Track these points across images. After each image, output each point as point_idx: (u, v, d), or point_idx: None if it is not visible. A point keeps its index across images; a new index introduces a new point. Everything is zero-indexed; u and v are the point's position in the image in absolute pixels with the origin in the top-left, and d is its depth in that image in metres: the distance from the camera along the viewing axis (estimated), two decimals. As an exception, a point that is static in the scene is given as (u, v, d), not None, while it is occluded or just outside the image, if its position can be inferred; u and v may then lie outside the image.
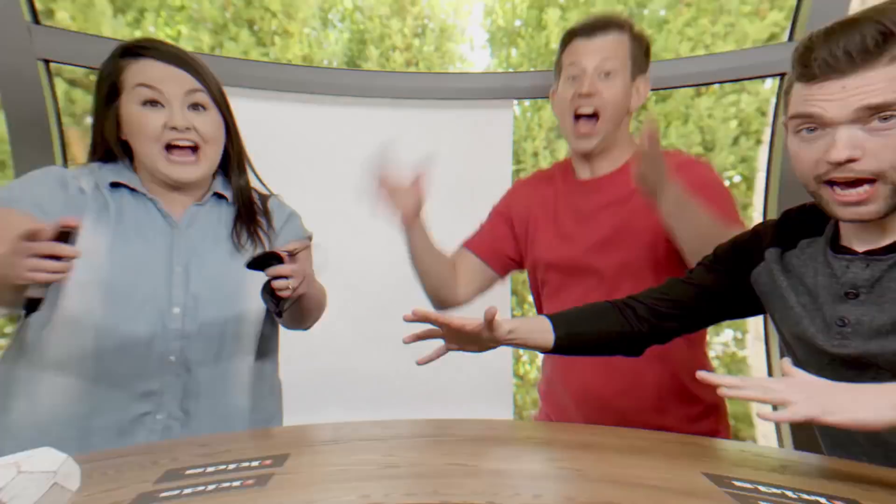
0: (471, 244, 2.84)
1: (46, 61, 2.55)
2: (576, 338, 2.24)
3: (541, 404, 2.88)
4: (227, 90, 2.48)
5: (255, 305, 2.42)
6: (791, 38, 2.91)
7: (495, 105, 3.22)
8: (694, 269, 2.27)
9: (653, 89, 2.74)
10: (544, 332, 2.21)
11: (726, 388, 1.74)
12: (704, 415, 2.64)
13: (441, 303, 2.76)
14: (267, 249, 2.38)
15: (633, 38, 2.61)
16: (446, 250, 2.76)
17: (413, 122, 3.20)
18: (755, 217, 5.94)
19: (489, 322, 2.12)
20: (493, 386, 3.19)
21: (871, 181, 1.80)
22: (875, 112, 1.76)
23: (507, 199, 2.87)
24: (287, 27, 6.62)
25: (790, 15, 2.87)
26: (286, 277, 2.22)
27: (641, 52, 2.62)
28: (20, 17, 2.48)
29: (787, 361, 1.77)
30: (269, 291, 2.28)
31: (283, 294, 2.24)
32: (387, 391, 3.18)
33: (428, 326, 2.26)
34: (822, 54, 1.77)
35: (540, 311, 2.85)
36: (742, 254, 2.20)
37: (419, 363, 2.40)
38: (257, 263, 2.26)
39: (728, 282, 2.21)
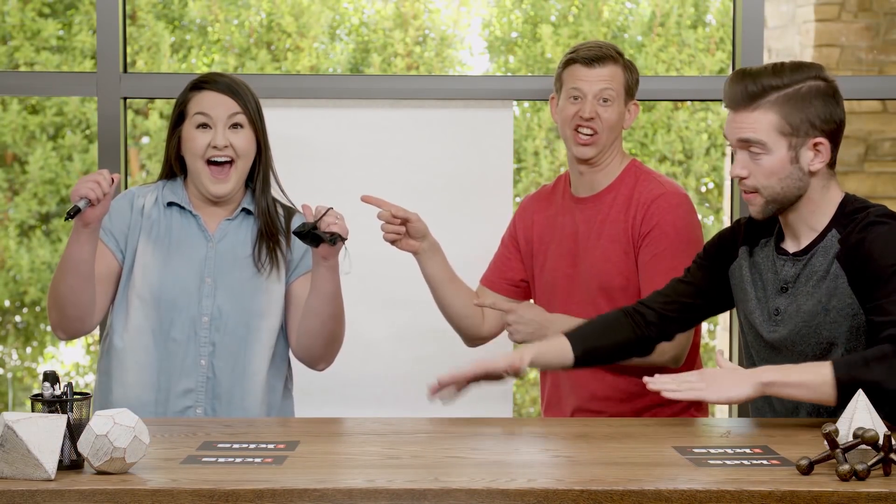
0: (487, 281, 2.91)
1: (125, 98, 3.16)
2: (592, 352, 2.44)
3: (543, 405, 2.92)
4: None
5: (270, 323, 2.55)
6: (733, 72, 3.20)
7: (495, 106, 3.20)
8: (690, 268, 2.48)
9: (638, 100, 2.86)
10: (564, 352, 2.43)
11: (652, 385, 2.18)
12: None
13: (467, 338, 2.85)
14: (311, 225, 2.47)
15: (626, 68, 2.78)
16: (467, 285, 2.82)
17: (414, 123, 3.19)
18: (725, 220, 6.09)
19: (515, 372, 2.40)
20: (493, 386, 3.17)
21: (753, 192, 2.28)
22: (748, 145, 2.25)
23: (513, 221, 2.92)
24: (299, 44, 6.70)
25: (730, 55, 3.54)
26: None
27: (633, 80, 2.79)
28: (117, 69, 3.12)
29: (719, 355, 2.21)
30: (310, 237, 2.40)
31: (333, 229, 2.40)
32: (387, 391, 3.15)
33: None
34: (726, 91, 2.28)
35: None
36: (724, 249, 2.43)
37: (442, 401, 2.45)
38: (302, 235, 2.41)
39: (715, 276, 2.43)
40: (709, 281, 2.43)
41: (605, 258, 2.72)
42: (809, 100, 2.23)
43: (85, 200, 2.35)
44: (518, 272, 2.87)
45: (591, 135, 2.72)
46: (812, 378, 2.12)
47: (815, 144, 2.24)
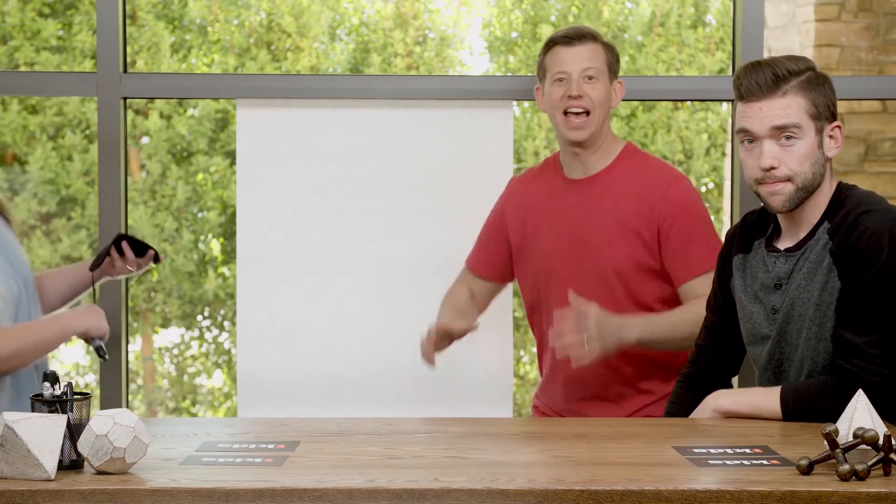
0: (471, 264, 2.95)
1: (125, 98, 3.16)
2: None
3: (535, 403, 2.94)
4: (244, 102, 3.15)
5: None
6: (733, 72, 3.17)
7: (495, 106, 3.20)
8: (709, 303, 2.50)
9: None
10: None
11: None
12: None
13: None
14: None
15: (606, 46, 2.81)
16: (460, 294, 2.90)
17: (414, 123, 3.19)
18: (725, 220, 6.10)
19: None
20: (493, 386, 3.16)
21: (785, 181, 2.25)
22: (781, 131, 2.24)
23: (500, 203, 2.93)
24: (299, 44, 6.70)
25: (730, 55, 3.55)
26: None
27: (614, 59, 2.82)
28: (117, 69, 3.12)
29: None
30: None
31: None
32: (387, 391, 3.16)
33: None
34: (745, 82, 2.26)
35: (532, 316, 2.89)
36: (722, 270, 2.44)
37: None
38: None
39: (725, 301, 2.44)
40: (724, 312, 2.45)
41: (610, 241, 2.73)
42: (822, 84, 2.28)
43: (100, 341, 2.50)
44: (504, 255, 2.90)
45: (581, 113, 2.74)
46: (763, 405, 2.27)
47: (835, 128, 2.28)
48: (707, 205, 6.95)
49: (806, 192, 2.26)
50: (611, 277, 2.73)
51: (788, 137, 2.23)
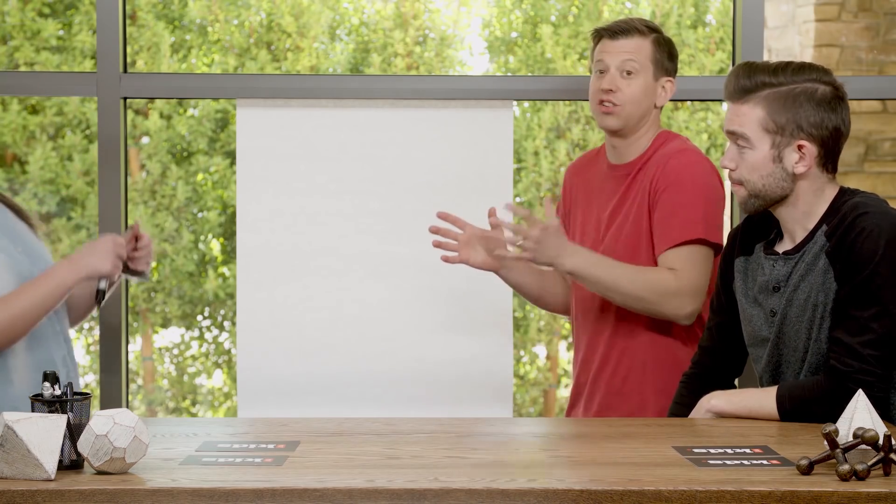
0: None
1: (125, 98, 3.16)
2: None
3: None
4: (244, 102, 3.13)
5: None
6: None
7: (495, 106, 3.20)
8: (712, 303, 2.49)
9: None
10: None
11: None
12: None
13: (554, 310, 2.93)
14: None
15: (656, 42, 2.74)
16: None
17: (414, 123, 3.19)
18: (725, 220, 6.08)
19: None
20: (493, 386, 3.17)
21: (738, 184, 2.30)
22: (735, 137, 2.28)
23: (563, 189, 2.95)
24: (299, 44, 6.70)
25: (730, 55, 3.57)
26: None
27: (664, 55, 2.75)
28: (117, 69, 3.13)
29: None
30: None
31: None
32: (387, 391, 3.16)
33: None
34: (725, 83, 2.29)
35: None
36: (725, 272, 2.44)
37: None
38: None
39: (728, 303, 2.44)
40: (727, 313, 2.45)
41: (629, 232, 2.69)
42: (800, 102, 2.24)
43: (106, 281, 2.43)
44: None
45: (611, 106, 2.71)
46: (755, 406, 2.28)
47: (800, 147, 2.24)
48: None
49: (761, 201, 2.28)
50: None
51: (741, 145, 2.26)
